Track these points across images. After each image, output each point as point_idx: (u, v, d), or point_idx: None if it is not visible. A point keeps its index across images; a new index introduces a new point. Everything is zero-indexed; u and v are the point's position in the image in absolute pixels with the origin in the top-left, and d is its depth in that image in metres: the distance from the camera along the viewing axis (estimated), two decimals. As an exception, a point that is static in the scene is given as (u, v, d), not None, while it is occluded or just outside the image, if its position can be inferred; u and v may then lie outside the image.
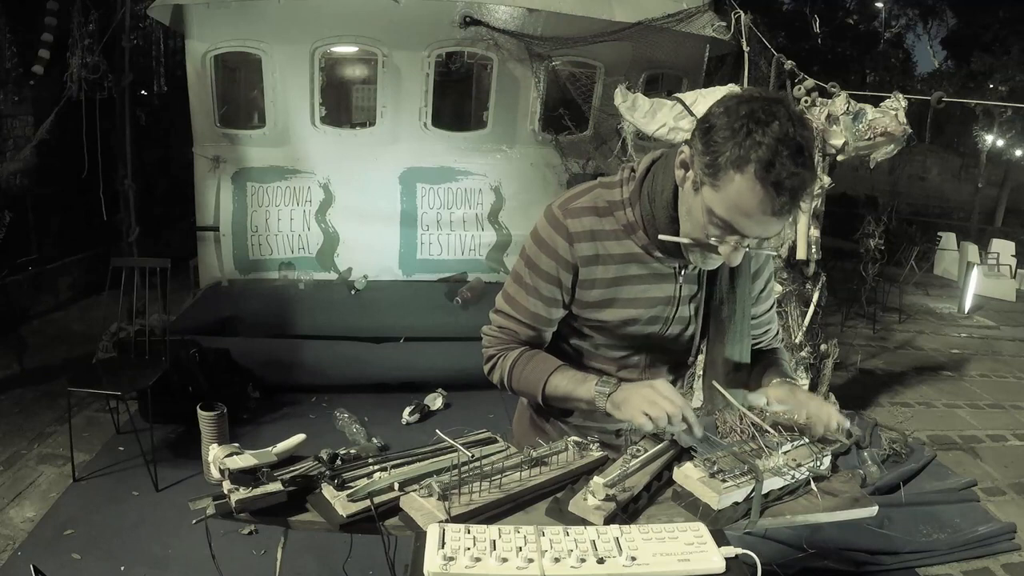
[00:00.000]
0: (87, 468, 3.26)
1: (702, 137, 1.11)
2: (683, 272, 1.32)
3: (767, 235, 1.15)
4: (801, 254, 3.60)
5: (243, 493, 1.10)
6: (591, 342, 1.40)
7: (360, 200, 5.18)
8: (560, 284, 1.32)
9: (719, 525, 1.11)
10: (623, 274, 1.31)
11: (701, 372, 1.46)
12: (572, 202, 1.30)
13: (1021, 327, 7.30)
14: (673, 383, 1.49)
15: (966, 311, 7.70)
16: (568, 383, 1.31)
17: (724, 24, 4.41)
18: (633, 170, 1.30)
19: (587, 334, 1.39)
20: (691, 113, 3.33)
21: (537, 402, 1.37)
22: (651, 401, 1.19)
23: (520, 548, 0.99)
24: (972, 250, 9.02)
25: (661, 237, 1.23)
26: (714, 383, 1.34)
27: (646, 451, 1.27)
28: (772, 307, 1.49)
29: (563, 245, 1.28)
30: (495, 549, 0.98)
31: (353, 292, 4.99)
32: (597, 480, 1.13)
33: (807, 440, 1.27)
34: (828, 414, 1.23)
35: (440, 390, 4.18)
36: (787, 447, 1.25)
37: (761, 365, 1.45)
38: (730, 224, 1.11)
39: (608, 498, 1.12)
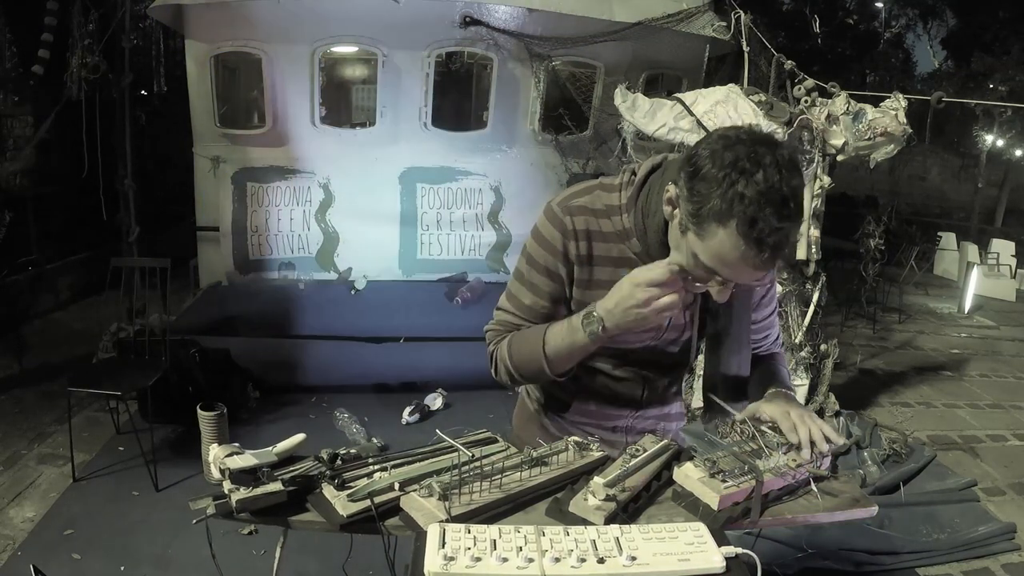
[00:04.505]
0: (87, 468, 3.26)
1: (687, 181, 1.08)
2: None
3: (751, 281, 1.15)
4: (801, 254, 3.60)
5: (243, 493, 1.10)
6: None
7: (360, 200, 5.18)
8: (560, 280, 1.30)
9: (719, 525, 1.11)
10: (618, 278, 1.28)
11: (701, 373, 1.45)
12: (571, 200, 1.29)
13: (1021, 327, 7.30)
14: (670, 386, 1.48)
15: (966, 311, 7.70)
16: (562, 339, 1.24)
17: (724, 24, 4.42)
18: (634, 173, 1.28)
19: None
20: (691, 113, 3.33)
21: (548, 376, 1.30)
22: (644, 301, 1.12)
23: (520, 548, 0.99)
24: (972, 250, 9.02)
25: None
26: (710, 395, 1.34)
27: (646, 451, 1.27)
28: (773, 312, 1.48)
29: (560, 240, 1.28)
30: (495, 549, 0.98)
31: (353, 292, 4.99)
32: (597, 480, 1.13)
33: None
34: (819, 435, 1.22)
35: (440, 390, 4.18)
36: (787, 447, 1.25)
37: (759, 373, 1.43)
38: (714, 271, 1.10)
39: (608, 498, 1.12)
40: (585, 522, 1.10)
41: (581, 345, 1.22)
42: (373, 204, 5.22)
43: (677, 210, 1.12)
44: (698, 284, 1.16)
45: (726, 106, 3.29)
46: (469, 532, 1.01)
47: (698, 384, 1.44)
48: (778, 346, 1.52)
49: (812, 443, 1.22)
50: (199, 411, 1.35)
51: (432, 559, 0.96)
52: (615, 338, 1.31)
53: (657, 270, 1.12)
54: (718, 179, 1.02)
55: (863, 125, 3.36)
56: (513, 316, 1.36)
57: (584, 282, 1.30)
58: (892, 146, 3.42)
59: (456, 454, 1.22)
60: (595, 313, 1.19)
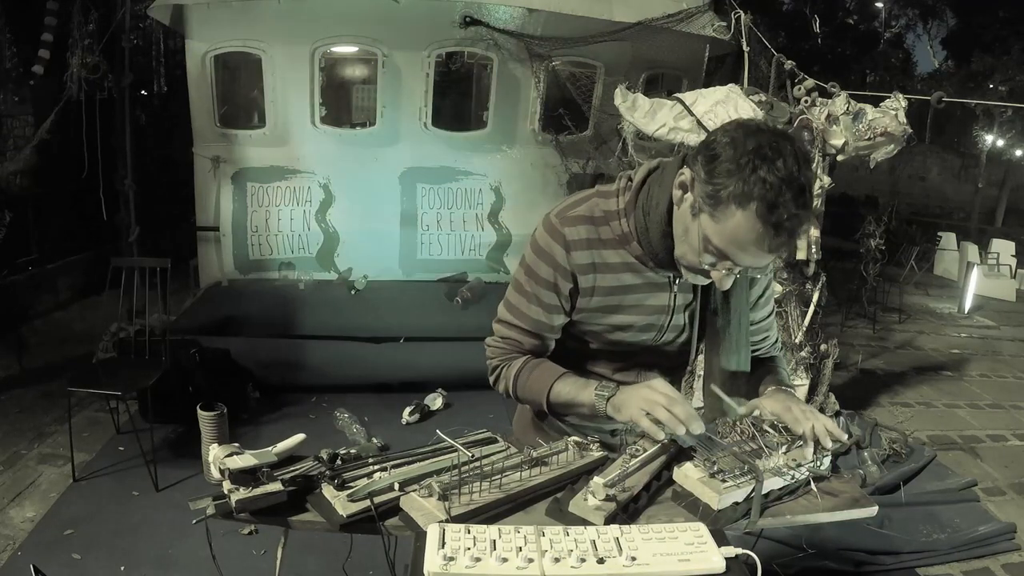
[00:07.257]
0: (87, 468, 3.26)
1: (705, 165, 1.11)
2: (677, 282, 1.33)
3: (758, 266, 1.18)
4: (801, 254, 3.60)
5: (243, 493, 1.10)
6: (588, 348, 1.41)
7: (360, 200, 5.18)
8: (559, 292, 1.33)
9: (719, 525, 1.11)
10: (619, 283, 1.32)
11: (701, 374, 1.46)
12: (569, 211, 1.31)
13: (1021, 327, 7.30)
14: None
15: (966, 311, 7.70)
16: (570, 389, 1.32)
17: (724, 24, 4.40)
18: (630, 179, 1.30)
19: (584, 340, 1.40)
20: (691, 113, 3.33)
21: (542, 409, 1.38)
22: (652, 402, 1.20)
23: (520, 548, 0.99)
24: (972, 250, 9.02)
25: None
26: (712, 386, 1.35)
27: (645, 451, 1.27)
28: (771, 314, 1.48)
29: (560, 253, 1.30)
30: (495, 549, 0.98)
31: (353, 292, 4.99)
32: (597, 480, 1.13)
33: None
34: (823, 431, 1.22)
35: (440, 390, 4.18)
36: (787, 447, 1.24)
37: (759, 374, 1.45)
38: (724, 254, 1.12)
39: (608, 498, 1.12)
40: (585, 522, 1.10)
41: (581, 402, 1.30)
42: (373, 204, 5.22)
43: (689, 194, 1.15)
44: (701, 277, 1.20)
45: (726, 106, 3.28)
46: (469, 532, 1.01)
47: (698, 384, 1.45)
48: (777, 349, 1.53)
49: (816, 440, 1.23)
50: (199, 411, 1.35)
51: (432, 559, 0.96)
52: (611, 337, 1.37)
53: (677, 398, 1.21)
54: (740, 163, 1.06)
55: (863, 125, 3.36)
56: (515, 330, 1.39)
57: (587, 290, 1.32)
58: (892, 146, 3.42)
59: (456, 454, 1.22)
60: (612, 385, 1.28)
